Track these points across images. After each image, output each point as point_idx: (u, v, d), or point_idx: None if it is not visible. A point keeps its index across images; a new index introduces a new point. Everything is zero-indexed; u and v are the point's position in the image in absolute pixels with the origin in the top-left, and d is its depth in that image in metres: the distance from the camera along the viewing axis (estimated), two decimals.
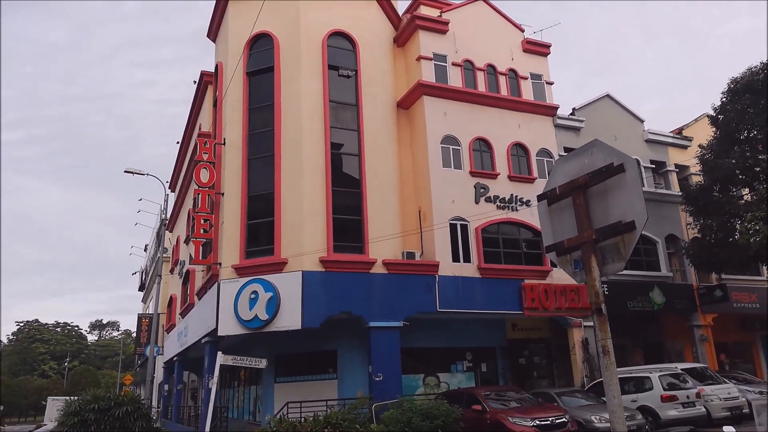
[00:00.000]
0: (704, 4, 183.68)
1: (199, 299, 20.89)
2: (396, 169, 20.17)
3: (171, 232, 34.58)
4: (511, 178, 20.93)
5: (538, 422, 13.33)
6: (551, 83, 23.22)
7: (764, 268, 23.81)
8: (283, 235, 17.56)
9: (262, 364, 14.89)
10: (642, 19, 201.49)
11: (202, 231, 18.91)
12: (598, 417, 14.16)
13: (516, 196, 20.71)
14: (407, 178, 20.39)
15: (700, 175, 22.55)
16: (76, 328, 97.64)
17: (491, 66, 22.21)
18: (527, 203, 20.63)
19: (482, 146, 21.02)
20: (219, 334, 16.97)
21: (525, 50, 23.15)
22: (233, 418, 21.65)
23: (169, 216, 31.58)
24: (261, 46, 19.88)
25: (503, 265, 19.71)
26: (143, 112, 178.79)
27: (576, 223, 4.48)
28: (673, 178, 25.24)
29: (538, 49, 23.39)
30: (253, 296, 16.70)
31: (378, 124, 19.85)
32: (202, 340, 18.92)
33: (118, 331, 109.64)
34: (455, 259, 19.07)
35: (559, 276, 20.40)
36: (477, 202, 20.03)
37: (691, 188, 22.18)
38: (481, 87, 21.64)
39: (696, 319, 23.58)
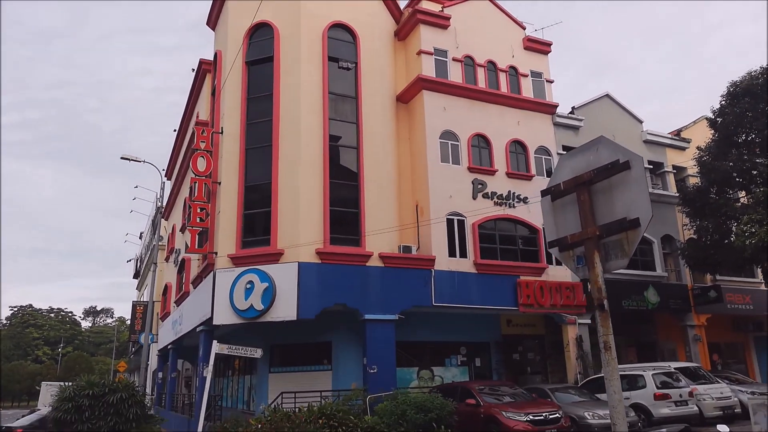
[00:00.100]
0: (705, 7, 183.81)
1: (195, 288, 20.87)
2: (394, 162, 20.14)
3: (167, 220, 34.48)
4: (509, 174, 20.95)
5: (531, 417, 13.41)
6: (551, 81, 23.21)
7: (759, 270, 23.94)
8: (279, 225, 17.54)
9: (258, 353, 14.89)
10: (642, 22, 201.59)
11: (198, 220, 18.86)
12: (591, 413, 14.25)
13: (513, 193, 20.74)
14: (405, 172, 20.38)
15: (697, 176, 22.65)
16: (70, 314, 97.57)
17: (492, 62, 22.18)
18: (524, 200, 20.67)
19: (481, 142, 21.02)
20: (214, 323, 16.97)
21: (526, 48, 23.12)
22: (227, 407, 21.67)
23: (165, 204, 31.49)
24: (261, 36, 19.77)
25: (499, 261, 19.77)
26: (139, 100, 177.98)
27: (580, 219, 4.49)
28: (671, 179, 25.32)
29: (539, 46, 23.36)
30: (248, 286, 16.71)
31: (377, 118, 19.81)
32: (197, 329, 18.91)
33: (112, 318, 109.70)
34: (451, 254, 19.10)
35: (555, 273, 20.50)
36: (474, 197, 20.05)
37: (688, 189, 22.28)
38: (482, 83, 21.62)
39: (690, 319, 23.73)
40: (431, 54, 20.85)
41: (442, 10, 21.70)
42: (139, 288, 56.82)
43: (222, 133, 19.27)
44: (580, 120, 23.31)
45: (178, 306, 25.38)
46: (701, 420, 15.67)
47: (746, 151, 20.23)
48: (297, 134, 18.30)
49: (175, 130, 31.28)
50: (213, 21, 22.80)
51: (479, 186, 20.24)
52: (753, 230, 17.87)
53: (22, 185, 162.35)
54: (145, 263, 47.48)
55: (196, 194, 18.97)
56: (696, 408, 15.80)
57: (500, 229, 20.41)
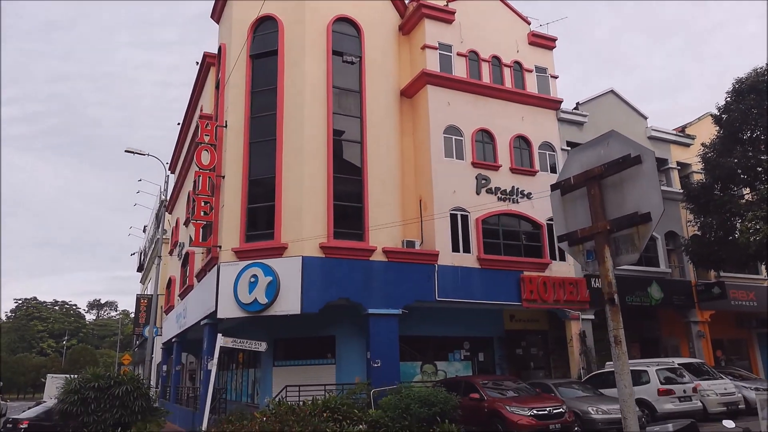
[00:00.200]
0: (710, 5, 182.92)
1: (199, 281, 20.92)
2: (398, 157, 20.11)
3: (170, 213, 34.54)
4: (512, 170, 20.92)
5: (535, 411, 13.44)
6: (556, 77, 23.14)
7: (763, 267, 23.93)
8: (283, 219, 17.56)
9: (262, 347, 14.95)
10: (648, 19, 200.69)
11: (202, 213, 18.87)
12: (595, 408, 14.27)
13: (517, 189, 20.72)
14: (409, 167, 20.35)
15: (701, 173, 22.60)
16: (74, 307, 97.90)
17: (496, 57, 22.11)
18: (528, 196, 20.64)
19: (485, 137, 20.99)
20: (218, 316, 17.02)
21: (531, 43, 23.04)
22: (231, 400, 21.76)
23: (168, 197, 31.54)
24: (265, 29, 19.73)
25: (503, 257, 19.77)
26: (142, 94, 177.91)
27: (590, 214, 4.49)
28: (675, 176, 25.30)
29: (543, 42, 23.27)
30: (252, 280, 16.74)
31: (381, 112, 19.78)
32: (201, 322, 18.97)
33: (116, 311, 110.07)
34: (455, 249, 19.10)
35: (558, 269, 20.50)
36: (478, 193, 20.04)
37: (693, 186, 22.23)
38: (486, 78, 21.56)
39: (693, 315, 23.73)
40: (436, 48, 20.79)
41: (447, 5, 21.61)
42: (142, 281, 57.00)
43: (226, 126, 19.26)
44: (585, 116, 23.24)
45: (182, 299, 25.45)
46: (705, 416, 15.70)
47: (751, 148, 20.19)
48: (301, 128, 18.28)
49: (178, 124, 31.29)
50: (217, 14, 22.74)
51: (483, 181, 20.23)
52: (757, 227, 17.88)
53: (24, 178, 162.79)
54: (148, 257, 47.65)
55: (200, 188, 18.97)
56: (700, 404, 15.83)
57: (504, 224, 20.40)
